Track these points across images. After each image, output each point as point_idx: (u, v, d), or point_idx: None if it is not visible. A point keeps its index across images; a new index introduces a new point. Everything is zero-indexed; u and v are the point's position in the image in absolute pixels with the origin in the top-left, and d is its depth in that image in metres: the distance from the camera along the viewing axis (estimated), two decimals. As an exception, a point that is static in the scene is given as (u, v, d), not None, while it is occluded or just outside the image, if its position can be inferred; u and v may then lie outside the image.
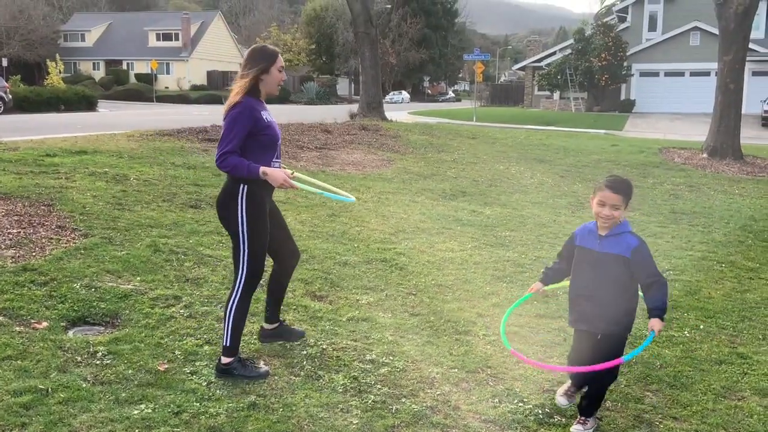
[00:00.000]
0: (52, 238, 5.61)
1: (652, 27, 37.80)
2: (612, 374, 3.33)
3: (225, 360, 3.68)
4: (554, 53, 41.36)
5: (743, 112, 17.18)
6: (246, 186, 3.59)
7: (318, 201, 8.29)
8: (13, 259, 5.06)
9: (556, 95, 39.90)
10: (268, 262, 3.91)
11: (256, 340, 4.18)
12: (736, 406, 3.70)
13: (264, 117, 3.65)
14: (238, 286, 3.68)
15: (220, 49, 60.87)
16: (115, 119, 21.71)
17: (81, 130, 14.12)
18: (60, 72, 43.32)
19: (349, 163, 11.73)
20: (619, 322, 3.25)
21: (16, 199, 6.64)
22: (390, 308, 4.95)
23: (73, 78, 51.56)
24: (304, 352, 4.07)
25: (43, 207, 6.46)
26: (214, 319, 4.43)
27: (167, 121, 17.58)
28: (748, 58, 17.22)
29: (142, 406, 3.30)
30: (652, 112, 34.56)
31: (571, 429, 3.33)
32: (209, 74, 58.06)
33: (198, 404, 3.37)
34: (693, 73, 35.40)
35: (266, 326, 4.17)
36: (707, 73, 32.37)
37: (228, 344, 3.68)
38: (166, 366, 3.73)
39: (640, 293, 3.28)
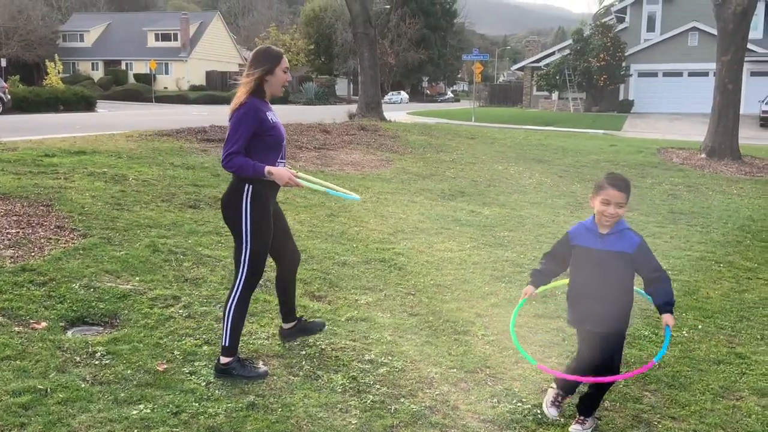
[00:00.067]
0: (50, 239, 5.61)
1: (651, 27, 37.84)
2: (614, 374, 3.33)
3: (224, 360, 3.68)
4: (553, 53, 41.42)
5: (741, 112, 17.20)
6: (251, 186, 3.61)
7: (317, 201, 8.29)
8: (12, 260, 5.06)
9: (555, 95, 39.95)
10: (269, 263, 3.92)
11: (255, 340, 4.19)
12: (734, 405, 3.71)
13: (269, 118, 3.67)
14: (238, 285, 3.69)
15: (219, 49, 60.87)
16: (113, 119, 21.70)
17: (80, 131, 14.11)
18: (59, 72, 43.25)
19: (348, 163, 11.73)
20: (622, 318, 3.28)
21: (15, 199, 6.63)
22: (389, 308, 4.96)
23: (72, 78, 51.56)
24: (303, 352, 4.08)
25: (42, 207, 6.46)
26: (212, 319, 4.43)
27: (166, 122, 17.57)
28: (746, 59, 17.25)
29: (141, 407, 3.30)
30: (650, 113, 34.60)
31: (569, 429, 3.34)
32: (208, 74, 58.06)
33: (197, 404, 3.37)
34: (691, 74, 35.43)
35: (284, 326, 4.19)
36: (705, 74, 32.41)
37: (227, 344, 3.69)
38: (165, 366, 3.74)
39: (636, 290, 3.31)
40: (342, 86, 68.20)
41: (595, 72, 35.16)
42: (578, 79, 36.21)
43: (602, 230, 3.22)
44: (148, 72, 50.77)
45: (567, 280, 3.44)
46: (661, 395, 3.79)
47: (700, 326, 4.94)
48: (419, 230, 7.49)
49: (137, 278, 4.99)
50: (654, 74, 36.76)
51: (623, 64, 35.83)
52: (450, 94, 78.65)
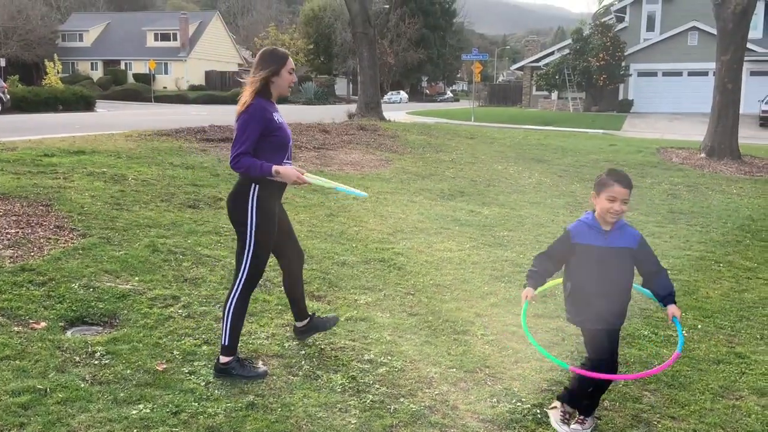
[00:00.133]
0: (50, 238, 5.61)
1: (650, 27, 37.84)
2: (612, 372, 3.33)
3: (223, 359, 3.69)
4: (552, 53, 41.40)
5: (741, 112, 17.19)
6: (257, 186, 3.63)
7: (316, 201, 8.29)
8: (12, 259, 5.06)
9: (554, 95, 39.94)
10: (271, 263, 3.92)
11: (255, 340, 4.19)
12: (733, 405, 3.71)
13: (275, 118, 3.69)
14: (238, 285, 3.70)
15: (218, 49, 60.86)
16: (113, 119, 21.68)
17: (79, 130, 14.10)
18: (58, 72, 43.27)
19: (348, 163, 11.73)
20: (624, 314, 3.30)
21: (15, 199, 6.63)
22: (388, 308, 4.96)
23: (71, 78, 51.54)
24: (303, 352, 4.08)
25: (41, 207, 6.46)
26: (212, 319, 4.43)
27: (165, 121, 17.56)
28: (746, 58, 17.25)
29: (141, 406, 3.30)
30: (650, 112, 34.60)
31: (570, 428, 3.33)
32: (207, 74, 58.05)
33: (196, 404, 3.37)
34: (691, 73, 35.43)
35: (298, 324, 4.21)
36: (705, 73, 32.41)
37: (226, 343, 3.69)
38: (165, 366, 3.74)
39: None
40: (341, 86, 68.17)
41: (595, 72, 35.15)
42: (578, 78, 36.21)
43: (605, 227, 3.22)
44: (148, 72, 50.74)
45: (561, 280, 3.42)
46: (661, 395, 3.80)
47: (699, 326, 4.95)
48: (418, 230, 7.49)
49: (137, 278, 4.99)
50: (653, 74, 36.76)
51: (623, 64, 35.83)
52: (449, 94, 78.60)
